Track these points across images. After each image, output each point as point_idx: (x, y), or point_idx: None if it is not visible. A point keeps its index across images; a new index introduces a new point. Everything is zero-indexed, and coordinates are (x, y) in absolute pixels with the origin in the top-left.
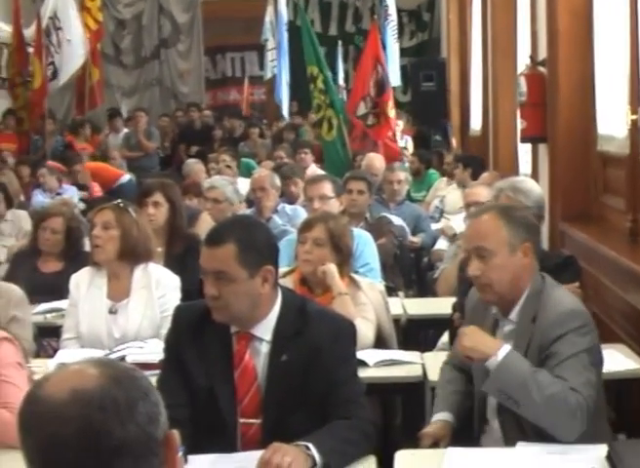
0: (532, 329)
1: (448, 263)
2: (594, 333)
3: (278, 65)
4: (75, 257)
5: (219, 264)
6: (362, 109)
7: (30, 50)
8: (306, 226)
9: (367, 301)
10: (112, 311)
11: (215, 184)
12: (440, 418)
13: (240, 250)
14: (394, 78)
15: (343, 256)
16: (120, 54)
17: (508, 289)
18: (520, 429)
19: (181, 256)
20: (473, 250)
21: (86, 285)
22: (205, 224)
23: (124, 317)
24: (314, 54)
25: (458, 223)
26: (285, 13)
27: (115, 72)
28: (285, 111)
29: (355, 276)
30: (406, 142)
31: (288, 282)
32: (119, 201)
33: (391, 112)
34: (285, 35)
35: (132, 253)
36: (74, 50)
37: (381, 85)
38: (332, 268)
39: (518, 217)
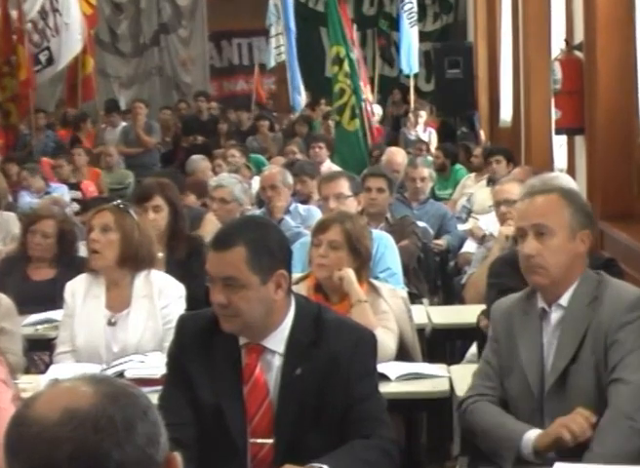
0: (589, 313)
1: (476, 267)
2: None
3: (290, 52)
4: (69, 264)
5: (227, 269)
6: None
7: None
8: (321, 228)
9: (388, 309)
10: (111, 322)
11: (222, 183)
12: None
13: (251, 253)
14: (412, 65)
15: (362, 260)
16: (117, 40)
17: (562, 274)
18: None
19: (184, 262)
20: (531, 227)
21: (82, 294)
22: (210, 226)
23: (124, 329)
24: (341, 34)
25: (487, 224)
26: None
27: (112, 61)
28: (303, 101)
29: (375, 282)
30: (429, 135)
31: (301, 289)
32: (119, 202)
33: (368, 94)
34: (292, 19)
35: (133, 259)
36: (72, 34)
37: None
38: (349, 273)
39: (581, 203)
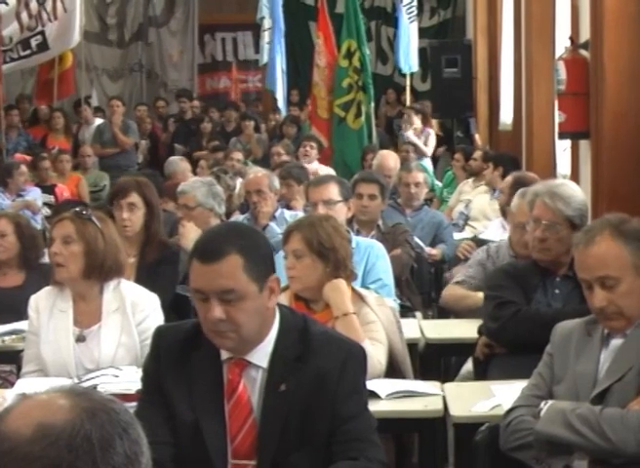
0: None
1: (473, 270)
2: None
3: (272, 48)
4: (37, 269)
5: (224, 281)
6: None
7: None
8: (284, 238)
9: (375, 319)
10: (80, 338)
11: (184, 189)
12: None
13: (246, 260)
14: (410, 63)
15: (335, 262)
16: (107, 29)
17: (638, 312)
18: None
19: (154, 268)
20: (595, 280)
21: (48, 309)
22: (193, 233)
23: (95, 345)
24: (355, 26)
25: (491, 232)
26: None
27: (98, 51)
28: (280, 102)
29: (360, 289)
30: (427, 136)
31: (283, 299)
32: (80, 207)
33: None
34: (280, 13)
35: (99, 270)
36: (69, 23)
37: None
38: (329, 288)
39: (634, 232)
